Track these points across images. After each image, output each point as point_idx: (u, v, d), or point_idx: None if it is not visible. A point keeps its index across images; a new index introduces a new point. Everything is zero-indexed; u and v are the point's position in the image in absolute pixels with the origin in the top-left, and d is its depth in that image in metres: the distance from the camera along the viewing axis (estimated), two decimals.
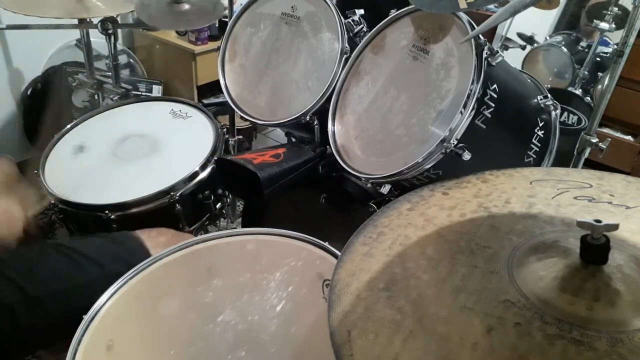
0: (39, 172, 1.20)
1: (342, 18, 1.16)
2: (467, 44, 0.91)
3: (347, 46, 1.13)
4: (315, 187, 1.26)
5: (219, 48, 1.35)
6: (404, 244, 0.65)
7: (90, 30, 1.80)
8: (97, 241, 0.98)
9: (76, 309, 0.79)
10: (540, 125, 1.01)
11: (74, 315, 0.76)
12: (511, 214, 0.67)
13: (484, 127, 0.91)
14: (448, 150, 0.88)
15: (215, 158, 1.23)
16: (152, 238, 1.00)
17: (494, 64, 0.91)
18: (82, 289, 0.88)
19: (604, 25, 2.29)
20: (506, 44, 2.70)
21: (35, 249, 0.93)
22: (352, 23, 1.19)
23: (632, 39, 1.09)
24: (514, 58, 2.59)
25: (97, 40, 1.90)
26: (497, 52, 0.92)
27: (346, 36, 1.15)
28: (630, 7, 1.08)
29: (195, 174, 1.19)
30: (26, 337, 0.85)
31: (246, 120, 1.30)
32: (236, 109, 1.30)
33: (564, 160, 1.13)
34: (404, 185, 1.03)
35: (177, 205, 1.16)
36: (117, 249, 0.96)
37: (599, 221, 0.51)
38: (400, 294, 0.57)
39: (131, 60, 2.64)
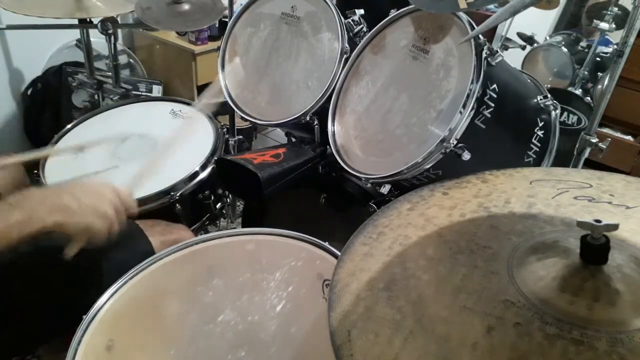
0: (39, 172, 1.20)
1: (342, 18, 1.16)
2: (467, 44, 0.91)
3: (347, 46, 1.13)
4: (315, 187, 1.26)
5: (219, 48, 1.35)
6: (404, 244, 0.65)
7: (90, 31, 1.80)
8: None
9: (80, 297, 0.82)
10: (540, 125, 1.01)
11: (79, 305, 0.77)
12: (511, 214, 0.67)
13: (483, 127, 0.91)
14: (448, 150, 0.88)
15: (216, 158, 1.23)
16: (148, 227, 1.02)
17: (493, 63, 0.91)
18: (87, 276, 0.89)
19: (604, 25, 2.29)
20: (506, 43, 2.70)
21: (42, 238, 0.94)
22: (352, 23, 1.19)
23: (632, 39, 1.09)
24: (513, 58, 2.59)
25: (97, 40, 1.90)
26: (497, 52, 0.92)
27: (346, 36, 1.15)
28: (630, 7, 1.08)
29: (196, 174, 1.19)
30: (34, 326, 0.87)
31: (246, 120, 1.30)
32: (236, 109, 1.30)
33: (563, 160, 1.14)
34: (404, 185, 1.03)
35: (177, 205, 1.16)
36: (119, 237, 0.97)
37: (598, 221, 0.51)
38: (400, 294, 0.57)
39: (131, 60, 2.64)
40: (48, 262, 0.88)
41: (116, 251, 0.94)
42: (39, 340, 0.92)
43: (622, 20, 2.28)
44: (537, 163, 1.02)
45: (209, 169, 1.22)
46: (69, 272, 0.89)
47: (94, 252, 0.93)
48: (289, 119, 1.18)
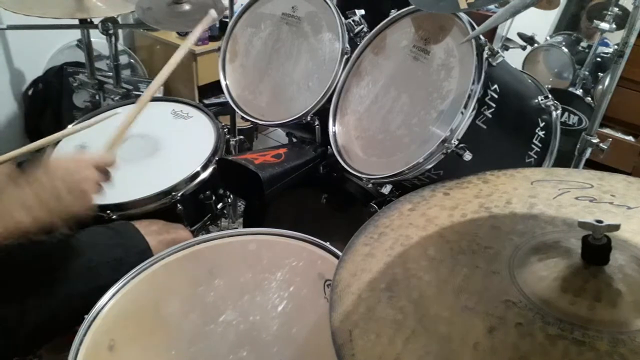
0: None
1: (342, 18, 1.16)
2: (468, 44, 0.91)
3: (348, 46, 1.14)
4: (316, 187, 1.26)
5: (219, 48, 1.35)
6: (405, 245, 0.65)
7: (91, 31, 1.80)
8: (95, 229, 1.01)
9: (78, 295, 0.83)
10: (541, 125, 1.01)
11: (77, 303, 0.78)
12: (512, 214, 0.67)
13: (484, 127, 0.91)
14: (449, 151, 0.88)
15: (217, 158, 1.23)
16: (144, 227, 1.03)
17: (494, 64, 0.91)
18: (83, 274, 0.90)
19: (604, 25, 2.28)
20: (507, 44, 2.69)
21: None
22: (352, 23, 1.19)
23: (632, 39, 1.08)
24: (514, 58, 2.59)
25: (98, 40, 1.90)
26: (498, 52, 0.92)
27: (347, 36, 1.15)
28: (630, 8, 1.08)
29: (197, 174, 1.19)
30: (34, 326, 0.86)
31: (247, 120, 1.30)
32: (237, 110, 1.30)
33: (564, 160, 1.13)
34: (405, 185, 1.03)
35: (179, 205, 1.16)
36: (114, 236, 0.99)
37: (600, 221, 0.51)
38: (401, 294, 0.57)
39: (132, 60, 2.64)
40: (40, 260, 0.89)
41: (111, 250, 0.94)
42: (39, 340, 0.92)
43: (622, 20, 2.28)
44: (538, 163, 1.02)
45: (210, 169, 1.22)
46: (62, 271, 0.89)
47: (89, 250, 0.93)
48: (289, 120, 1.18)
